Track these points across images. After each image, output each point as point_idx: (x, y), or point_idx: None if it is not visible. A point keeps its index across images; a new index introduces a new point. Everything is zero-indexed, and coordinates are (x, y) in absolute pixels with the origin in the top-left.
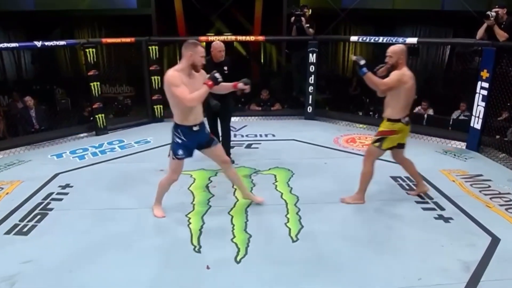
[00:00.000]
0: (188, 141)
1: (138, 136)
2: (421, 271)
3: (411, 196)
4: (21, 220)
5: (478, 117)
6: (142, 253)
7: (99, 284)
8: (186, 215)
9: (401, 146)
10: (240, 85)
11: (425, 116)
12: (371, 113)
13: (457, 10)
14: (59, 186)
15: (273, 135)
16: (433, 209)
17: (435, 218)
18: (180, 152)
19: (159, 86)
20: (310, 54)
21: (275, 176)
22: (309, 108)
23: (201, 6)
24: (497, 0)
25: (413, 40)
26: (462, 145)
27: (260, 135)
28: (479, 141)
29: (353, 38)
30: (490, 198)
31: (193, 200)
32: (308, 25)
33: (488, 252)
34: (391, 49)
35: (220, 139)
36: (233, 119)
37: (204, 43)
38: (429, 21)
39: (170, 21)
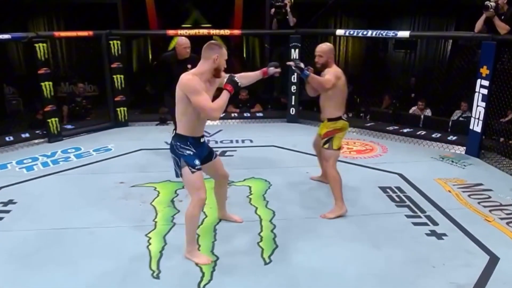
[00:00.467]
0: (198, 152)
1: (97, 143)
2: None
3: (400, 210)
4: None
5: (478, 118)
6: (92, 280)
7: None
8: (146, 235)
9: None
10: (271, 69)
11: (422, 117)
12: (361, 114)
13: None
14: (0, 203)
15: (251, 141)
16: (425, 224)
17: (427, 234)
18: (197, 161)
19: (123, 85)
20: (292, 50)
21: (250, 188)
22: (292, 110)
23: None
24: None
25: (405, 33)
26: (462, 150)
27: (237, 141)
28: (479, 145)
29: (339, 32)
30: (490, 211)
31: (155, 217)
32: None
33: (485, 274)
34: (320, 48)
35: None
36: (207, 122)
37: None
38: (428, 12)
39: (140, 12)
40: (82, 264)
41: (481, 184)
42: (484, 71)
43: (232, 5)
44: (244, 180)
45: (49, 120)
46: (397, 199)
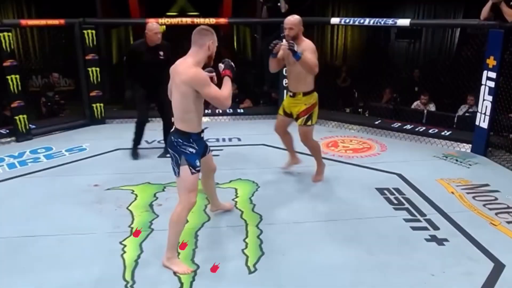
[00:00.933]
0: (199, 149)
1: (70, 142)
2: None
3: (398, 213)
4: None
5: (485, 113)
6: None
7: None
8: (120, 242)
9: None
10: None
11: (425, 112)
12: (360, 109)
13: None
14: None
15: (239, 139)
16: (425, 228)
17: (427, 239)
18: (198, 163)
19: (98, 79)
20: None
21: (236, 190)
22: None
23: None
24: None
25: (405, 21)
26: (468, 147)
27: (223, 139)
28: (486, 142)
29: (334, 20)
30: (496, 214)
31: (132, 223)
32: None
33: (489, 282)
34: (291, 21)
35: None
36: None
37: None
38: None
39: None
40: (48, 275)
41: (487, 185)
42: (491, 62)
43: None
44: (230, 181)
45: (16, 117)
46: (395, 201)
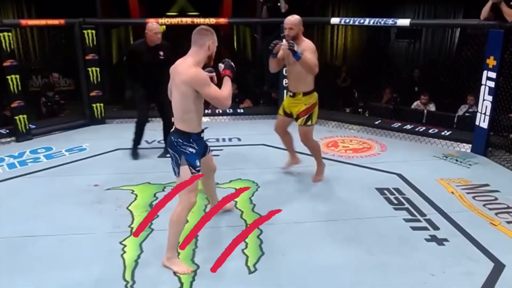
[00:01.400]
0: (199, 149)
1: (71, 142)
2: None
3: (398, 213)
4: None
5: (485, 113)
6: None
7: None
8: (120, 242)
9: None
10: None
11: (425, 112)
12: (360, 109)
13: None
14: None
15: (239, 139)
16: (425, 228)
17: (427, 239)
18: (198, 163)
19: (98, 79)
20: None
21: (235, 190)
22: None
23: None
24: None
25: (405, 21)
26: (468, 147)
27: (223, 139)
28: (486, 142)
29: (334, 20)
30: (496, 214)
31: (132, 223)
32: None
33: (489, 282)
34: (291, 21)
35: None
36: None
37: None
38: None
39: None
40: (48, 275)
41: (487, 185)
42: (491, 62)
43: None
44: (230, 181)
45: (16, 117)
46: (395, 201)
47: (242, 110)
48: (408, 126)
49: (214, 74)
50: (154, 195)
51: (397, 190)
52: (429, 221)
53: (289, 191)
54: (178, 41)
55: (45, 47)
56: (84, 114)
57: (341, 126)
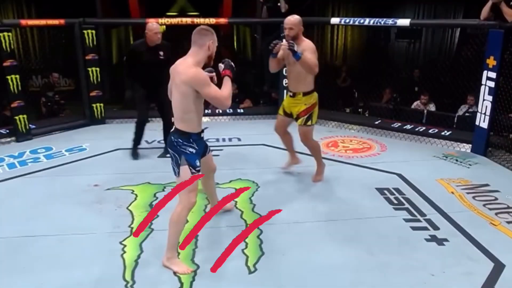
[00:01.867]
0: (199, 149)
1: (71, 142)
2: None
3: (398, 213)
4: None
5: (485, 113)
6: None
7: None
8: (120, 242)
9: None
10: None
11: (425, 112)
12: (360, 109)
13: None
14: None
15: (239, 139)
16: (425, 228)
17: (427, 239)
18: (198, 163)
19: (98, 79)
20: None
21: (235, 190)
22: None
23: None
24: None
25: (405, 21)
26: (468, 147)
27: (223, 139)
28: (486, 142)
29: (334, 20)
30: (496, 214)
31: (132, 223)
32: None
33: (489, 282)
34: (291, 21)
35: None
36: None
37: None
38: None
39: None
40: (48, 275)
41: (487, 185)
42: (491, 62)
43: None
44: (230, 181)
45: (16, 117)
46: (395, 201)
47: (242, 110)
48: (408, 126)
49: (214, 74)
50: (154, 195)
51: (397, 190)
52: (429, 221)
53: (289, 191)
54: (178, 41)
55: (45, 47)
56: (84, 114)
57: (341, 126)
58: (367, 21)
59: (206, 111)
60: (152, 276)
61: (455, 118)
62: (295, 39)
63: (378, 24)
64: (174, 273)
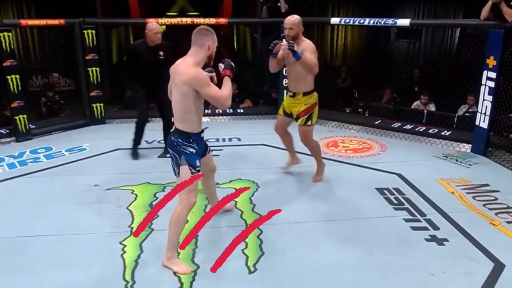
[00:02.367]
0: (199, 149)
1: (71, 142)
2: None
3: (398, 213)
4: None
5: (485, 113)
6: None
7: None
8: (120, 242)
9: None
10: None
11: (425, 112)
12: (360, 109)
13: None
14: None
15: (239, 139)
16: (425, 228)
17: (427, 239)
18: (198, 163)
19: (98, 79)
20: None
21: (235, 190)
22: None
23: None
24: None
25: (405, 21)
26: (468, 147)
27: (223, 139)
28: (486, 142)
29: (334, 20)
30: (496, 214)
31: (132, 223)
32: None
33: (489, 282)
34: (291, 21)
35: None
36: None
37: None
38: None
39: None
40: (48, 275)
41: (487, 185)
42: (491, 62)
43: None
44: (230, 181)
45: (16, 117)
46: (395, 201)
47: (242, 110)
48: (408, 126)
49: (214, 74)
50: (154, 195)
51: (397, 190)
52: (429, 221)
53: (289, 191)
54: (178, 41)
55: (45, 47)
56: (84, 114)
57: (341, 126)
58: (367, 21)
59: (206, 111)
60: (152, 276)
61: (455, 118)
62: (295, 39)
63: (378, 24)
64: (174, 273)
